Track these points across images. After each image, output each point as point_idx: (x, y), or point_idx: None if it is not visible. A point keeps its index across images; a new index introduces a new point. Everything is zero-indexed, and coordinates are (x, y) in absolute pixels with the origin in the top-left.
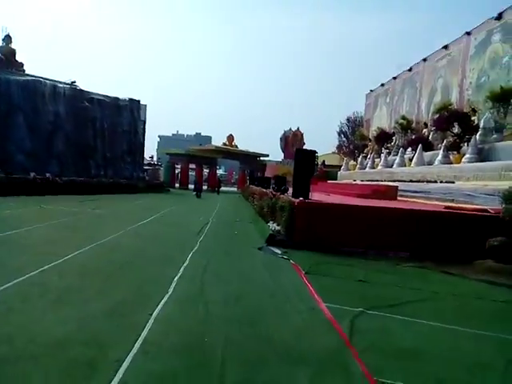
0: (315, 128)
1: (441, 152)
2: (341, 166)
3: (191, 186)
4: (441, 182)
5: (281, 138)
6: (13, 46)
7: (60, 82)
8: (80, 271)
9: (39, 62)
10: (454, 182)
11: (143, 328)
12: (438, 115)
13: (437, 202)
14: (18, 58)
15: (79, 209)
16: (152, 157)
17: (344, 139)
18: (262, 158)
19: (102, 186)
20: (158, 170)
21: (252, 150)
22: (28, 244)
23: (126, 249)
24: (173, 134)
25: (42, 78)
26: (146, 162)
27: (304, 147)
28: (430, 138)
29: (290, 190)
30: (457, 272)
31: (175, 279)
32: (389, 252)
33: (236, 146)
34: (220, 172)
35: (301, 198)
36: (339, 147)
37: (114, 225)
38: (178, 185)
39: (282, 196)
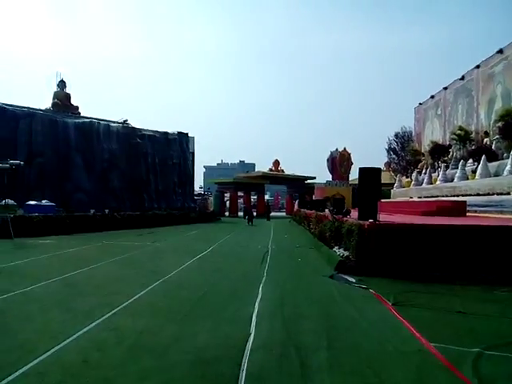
0: (362, 147)
1: (509, 161)
2: (392, 184)
3: (240, 214)
4: None
5: (328, 159)
6: (67, 90)
7: (113, 122)
8: (153, 312)
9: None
10: None
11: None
12: (502, 122)
13: None
14: (73, 101)
15: (139, 243)
16: (201, 187)
17: (393, 156)
18: (309, 181)
19: (157, 219)
20: (207, 199)
21: (298, 173)
22: (94, 284)
23: (192, 285)
24: (217, 164)
25: (96, 118)
26: (195, 192)
27: (352, 167)
28: (493, 147)
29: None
30: None
31: (253, 317)
32: (476, 275)
33: (282, 171)
34: (266, 197)
35: (370, 220)
36: (388, 164)
37: (175, 258)
38: (228, 213)
39: (346, 219)
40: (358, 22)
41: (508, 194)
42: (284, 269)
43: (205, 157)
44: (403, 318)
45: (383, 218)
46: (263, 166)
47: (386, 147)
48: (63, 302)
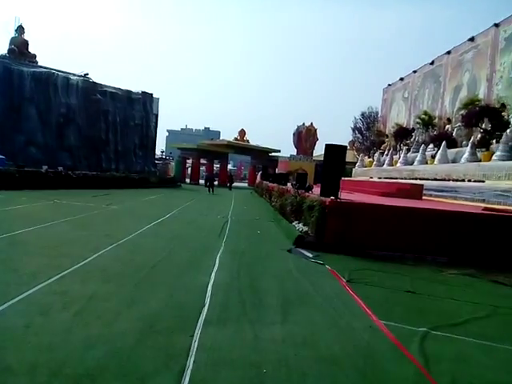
0: (329, 123)
1: (468, 149)
2: (355, 163)
3: (202, 181)
4: (469, 180)
5: (294, 134)
6: (25, 37)
7: (73, 74)
8: (104, 277)
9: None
10: (483, 181)
11: (187, 355)
12: (465, 110)
13: (465, 202)
14: (31, 49)
15: (94, 204)
16: (163, 151)
17: (358, 135)
18: (273, 154)
19: (115, 181)
20: (167, 164)
21: (263, 145)
22: (43, 244)
23: (148, 251)
24: (181, 129)
25: (54, 69)
26: (156, 156)
27: (317, 143)
28: (453, 134)
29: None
30: (506, 281)
31: (209, 287)
32: (426, 256)
33: (247, 141)
34: (229, 167)
35: (332, 197)
36: (352, 143)
37: (131, 223)
38: (189, 180)
39: (308, 195)
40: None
41: (463, 180)
42: (243, 240)
43: (168, 120)
44: (356, 294)
45: (344, 195)
46: (228, 135)
47: (352, 126)
48: (7, 262)
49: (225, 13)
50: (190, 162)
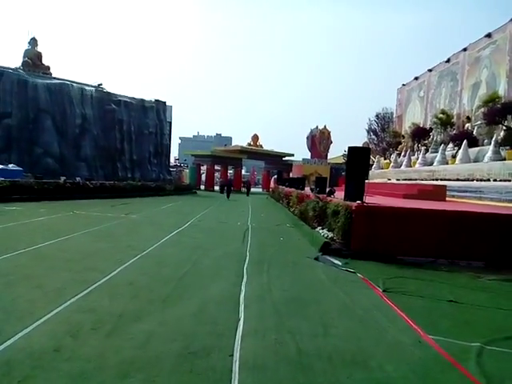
0: (343, 126)
1: (491, 147)
2: (371, 165)
3: (216, 188)
4: (494, 180)
5: (307, 137)
6: (39, 49)
7: (87, 85)
8: (131, 292)
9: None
10: (510, 181)
11: (230, 379)
12: (485, 108)
13: (491, 203)
14: (45, 61)
15: (113, 214)
16: (178, 158)
17: (373, 137)
18: (287, 158)
19: (131, 189)
20: (182, 171)
21: (277, 149)
22: (66, 258)
23: (172, 262)
24: (193, 136)
25: (69, 80)
26: (171, 164)
27: (331, 146)
28: (474, 133)
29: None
30: None
31: (241, 299)
32: (460, 261)
33: (261, 146)
34: (243, 172)
35: (358, 202)
36: (367, 145)
37: (152, 232)
38: (204, 186)
39: (331, 199)
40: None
41: (488, 180)
42: (267, 248)
43: (181, 128)
44: (396, 306)
45: (366, 199)
46: (240, 140)
47: (367, 127)
48: (32, 278)
49: (237, 18)
50: (203, 168)
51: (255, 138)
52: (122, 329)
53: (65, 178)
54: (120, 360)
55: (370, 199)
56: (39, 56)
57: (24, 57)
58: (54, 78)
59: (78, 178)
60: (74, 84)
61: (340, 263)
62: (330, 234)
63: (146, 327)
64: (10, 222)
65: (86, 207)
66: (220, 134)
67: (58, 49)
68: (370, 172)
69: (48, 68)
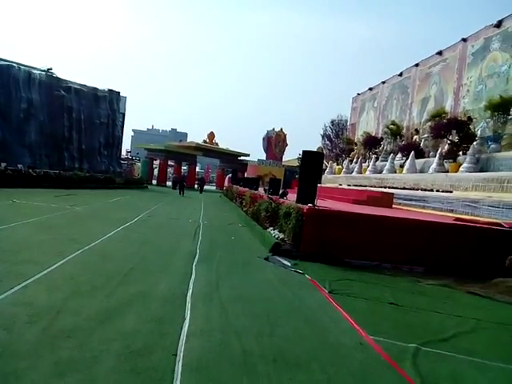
0: (299, 130)
1: (436, 160)
2: (324, 170)
3: (169, 183)
4: (437, 190)
5: (263, 138)
6: None
7: (35, 69)
8: (72, 287)
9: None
10: (451, 192)
11: (172, 379)
12: (432, 122)
13: (434, 212)
14: None
15: (56, 205)
16: (130, 151)
17: (328, 142)
18: (242, 158)
19: (78, 180)
20: (134, 165)
21: (232, 148)
22: (3, 248)
23: (118, 257)
24: (147, 129)
25: (15, 62)
26: (122, 156)
27: (287, 148)
28: (421, 145)
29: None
30: (482, 292)
31: (188, 297)
32: (403, 266)
33: (217, 144)
34: (197, 169)
35: (310, 205)
36: (322, 150)
37: (98, 226)
38: (156, 181)
39: (284, 201)
40: (305, 4)
41: (431, 190)
42: (217, 246)
43: (134, 120)
44: (340, 307)
45: (318, 202)
46: (196, 137)
47: (322, 133)
48: None
49: (195, 14)
50: (156, 163)
51: (211, 135)
52: (60, 325)
53: (5, 164)
54: (57, 359)
55: (321, 203)
56: None
57: None
58: (0, 60)
59: (20, 165)
60: (21, 66)
61: (289, 264)
62: (281, 235)
63: (86, 325)
64: None
65: (28, 196)
66: (175, 129)
67: (6, 29)
68: (323, 176)
69: None
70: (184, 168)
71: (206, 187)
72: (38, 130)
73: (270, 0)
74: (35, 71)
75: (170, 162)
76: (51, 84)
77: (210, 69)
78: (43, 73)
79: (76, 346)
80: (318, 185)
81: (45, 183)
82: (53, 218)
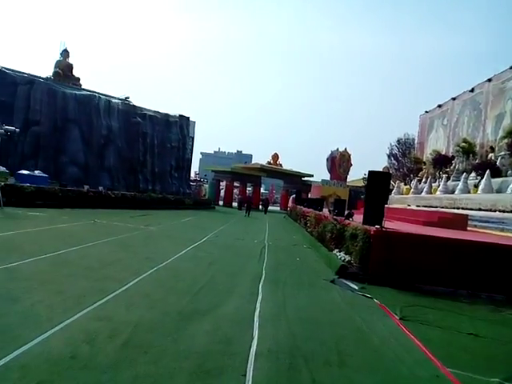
0: (363, 149)
1: None
2: (391, 190)
3: (234, 204)
4: None
5: (327, 159)
6: (70, 60)
7: (114, 98)
8: (147, 304)
9: (95, 77)
10: None
11: None
12: (509, 139)
13: None
14: (75, 72)
15: (132, 225)
16: (198, 173)
17: (394, 161)
18: (306, 178)
19: (151, 201)
20: (201, 186)
21: (296, 169)
22: (86, 265)
23: (188, 277)
24: (214, 151)
25: (97, 92)
26: (191, 178)
27: (351, 168)
28: (497, 163)
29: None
30: None
31: (255, 318)
32: (481, 293)
33: (280, 165)
34: (261, 190)
35: (377, 226)
36: (388, 170)
37: (169, 245)
38: (222, 202)
39: (349, 222)
40: (369, 23)
41: (511, 211)
42: (283, 267)
43: (202, 143)
44: (413, 335)
45: (385, 224)
46: (260, 158)
47: (388, 152)
48: (52, 283)
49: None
50: (223, 184)
51: (275, 156)
52: (137, 340)
53: (88, 186)
54: (134, 374)
55: (388, 224)
56: (70, 67)
57: (55, 67)
58: (83, 90)
59: (100, 188)
60: (102, 96)
61: (357, 287)
62: (348, 258)
63: (160, 341)
64: (33, 227)
65: (107, 216)
66: (241, 151)
67: (89, 61)
68: (390, 197)
69: (78, 79)
70: (249, 189)
71: (269, 208)
72: (116, 154)
73: (337, 20)
74: (114, 100)
75: (235, 184)
76: (128, 111)
77: (275, 92)
78: (121, 101)
79: (152, 362)
80: (385, 206)
81: (122, 204)
82: (129, 237)
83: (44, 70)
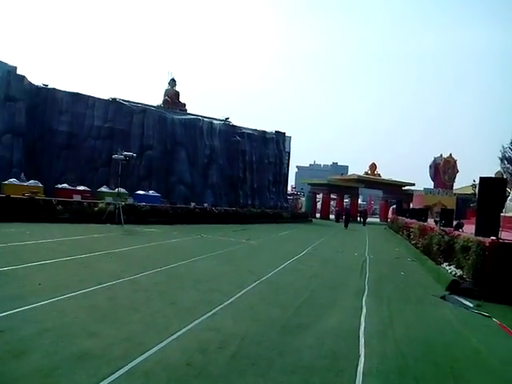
0: (470, 154)
1: None
2: (506, 197)
3: (332, 216)
4: None
5: (430, 166)
6: (177, 88)
7: (215, 119)
8: (252, 316)
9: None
10: None
11: None
12: None
13: None
14: (182, 98)
15: (235, 239)
16: (295, 187)
17: (508, 165)
18: (407, 188)
19: (251, 216)
20: (298, 199)
21: (395, 178)
22: (195, 278)
23: (290, 290)
24: (310, 165)
25: (201, 116)
26: (287, 192)
27: (457, 175)
28: None
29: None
30: None
31: (360, 334)
32: None
33: (379, 175)
34: (359, 201)
35: (493, 238)
36: (501, 174)
37: (270, 258)
38: (319, 215)
39: (460, 233)
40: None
41: None
42: (386, 281)
43: (298, 157)
44: None
45: (502, 235)
46: (356, 169)
47: (500, 155)
48: (167, 295)
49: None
50: (319, 196)
51: (373, 166)
52: (245, 352)
53: (194, 203)
54: None
55: (505, 235)
56: (177, 95)
57: (164, 95)
58: (189, 114)
59: (205, 204)
60: (205, 119)
61: (471, 305)
62: (459, 272)
63: (267, 354)
64: (148, 243)
65: (212, 231)
66: (336, 163)
67: (192, 86)
68: (506, 204)
69: (184, 105)
70: (346, 201)
71: (368, 219)
72: (218, 172)
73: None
74: (215, 121)
75: (332, 196)
76: (228, 131)
77: (370, 100)
78: (221, 122)
79: (260, 374)
80: (501, 214)
81: (224, 219)
82: (232, 250)
83: (155, 98)
